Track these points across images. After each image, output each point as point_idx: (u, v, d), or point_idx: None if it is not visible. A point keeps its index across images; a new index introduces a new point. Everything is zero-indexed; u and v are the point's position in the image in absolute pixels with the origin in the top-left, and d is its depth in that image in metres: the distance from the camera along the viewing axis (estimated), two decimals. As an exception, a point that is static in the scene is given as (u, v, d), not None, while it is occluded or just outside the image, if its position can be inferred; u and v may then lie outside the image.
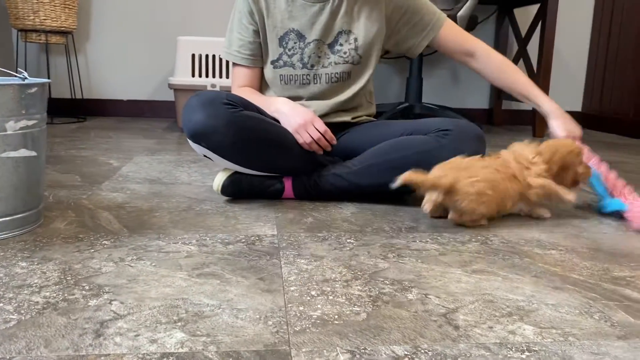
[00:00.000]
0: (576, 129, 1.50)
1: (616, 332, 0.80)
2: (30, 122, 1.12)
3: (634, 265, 1.08)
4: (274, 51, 1.54)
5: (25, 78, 1.15)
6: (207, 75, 2.88)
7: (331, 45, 1.53)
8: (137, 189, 1.57)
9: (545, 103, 1.53)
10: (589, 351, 0.75)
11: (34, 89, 1.12)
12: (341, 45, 1.52)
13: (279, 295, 0.89)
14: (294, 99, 1.54)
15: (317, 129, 1.44)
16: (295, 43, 1.52)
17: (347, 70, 1.54)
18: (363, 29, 1.52)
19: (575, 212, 1.47)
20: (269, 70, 1.56)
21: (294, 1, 1.51)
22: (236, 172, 1.45)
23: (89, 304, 0.84)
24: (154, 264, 1.01)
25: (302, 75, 1.54)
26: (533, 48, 3.24)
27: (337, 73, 1.53)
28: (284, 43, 1.53)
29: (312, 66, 1.53)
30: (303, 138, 1.43)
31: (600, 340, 0.78)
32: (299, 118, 1.44)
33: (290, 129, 1.44)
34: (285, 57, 1.53)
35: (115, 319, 0.80)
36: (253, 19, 1.53)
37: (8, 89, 1.08)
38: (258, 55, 1.57)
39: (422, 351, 0.73)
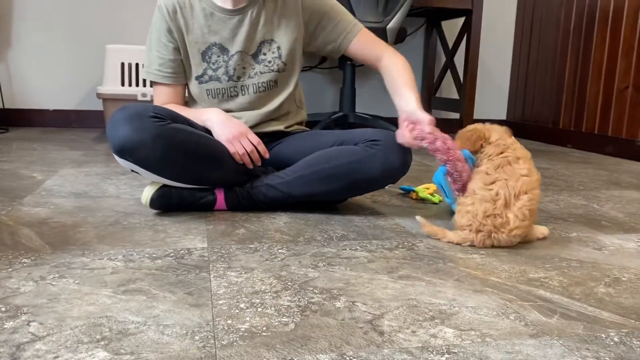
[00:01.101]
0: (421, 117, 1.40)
1: (529, 331, 0.85)
2: (-59, 136, 1.07)
3: (548, 267, 1.15)
4: (197, 67, 1.53)
5: None
6: (137, 84, 2.82)
7: (255, 56, 1.53)
8: (62, 204, 1.52)
9: (403, 102, 1.45)
10: (503, 350, 0.79)
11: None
12: (264, 54, 1.53)
13: (207, 309, 0.89)
14: (224, 111, 1.54)
15: (250, 142, 1.44)
16: (218, 57, 1.52)
17: (273, 79, 1.55)
18: (284, 36, 1.54)
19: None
20: (194, 86, 1.55)
21: (212, 15, 1.50)
22: (165, 185, 1.43)
23: (5, 326, 0.81)
24: (77, 282, 0.98)
25: (229, 87, 1.54)
26: (460, 59, 3.38)
27: (263, 82, 1.54)
28: (207, 57, 1.52)
29: (239, 78, 1.53)
30: (236, 148, 1.43)
31: (514, 340, 0.82)
32: (232, 129, 1.44)
33: (222, 139, 1.44)
34: (210, 72, 1.53)
35: (34, 340, 0.77)
36: (172, 36, 1.51)
37: None
38: (180, 73, 1.55)
39: (348, 358, 0.75)
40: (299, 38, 1.55)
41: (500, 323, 0.88)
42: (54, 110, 3.25)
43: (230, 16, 1.50)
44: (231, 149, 1.44)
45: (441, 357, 0.76)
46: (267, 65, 1.54)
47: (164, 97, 1.56)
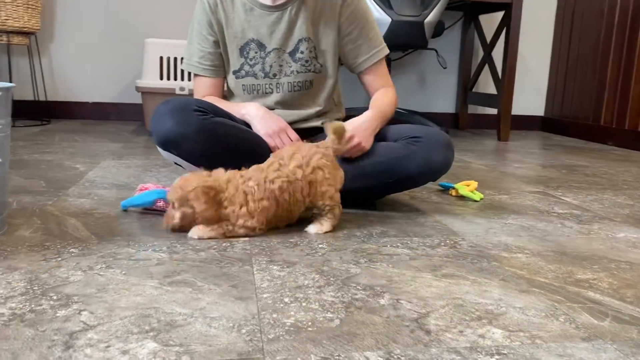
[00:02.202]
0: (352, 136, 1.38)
1: (580, 334, 0.83)
2: (-6, 128, 1.09)
3: (596, 268, 1.12)
4: (235, 61, 1.53)
5: (-11, 82, 1.12)
6: (175, 78, 2.85)
7: (292, 54, 1.52)
8: (105, 195, 1.55)
9: (360, 116, 1.44)
10: (555, 353, 0.77)
11: (-3, 94, 1.09)
12: (302, 53, 1.51)
13: (252, 302, 0.89)
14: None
15: (289, 137, 1.44)
16: (256, 53, 1.52)
17: (309, 79, 1.54)
18: (322, 37, 1.52)
19: (540, 216, 1.51)
20: (231, 80, 1.56)
21: (252, 10, 1.50)
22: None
23: (57, 314, 0.83)
24: (124, 272, 1.00)
25: (265, 84, 1.53)
26: (498, 54, 3.31)
27: (299, 82, 1.53)
28: (244, 53, 1.52)
29: (274, 75, 1.53)
30: (275, 143, 1.43)
31: (565, 343, 0.80)
32: (272, 124, 1.44)
33: (262, 134, 1.44)
34: (247, 67, 1.53)
35: (85, 329, 0.78)
36: (212, 29, 1.52)
37: (-30, 94, 1.05)
38: (219, 66, 1.56)
39: (395, 357, 0.74)
40: (336, 40, 1.53)
41: (549, 325, 0.86)
42: (94, 103, 3.32)
43: (270, 12, 1.49)
44: (271, 143, 1.44)
45: (490, 358, 0.75)
46: (304, 65, 1.52)
47: (203, 90, 1.57)
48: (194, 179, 1.18)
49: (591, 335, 0.83)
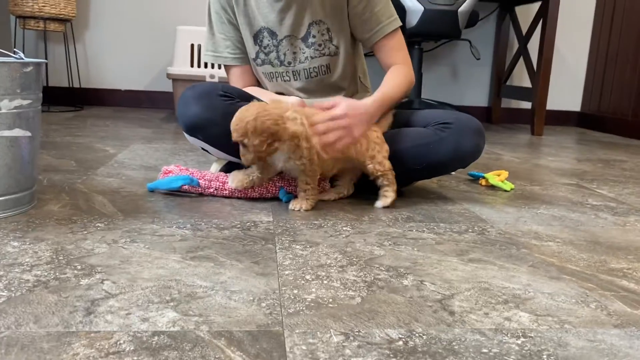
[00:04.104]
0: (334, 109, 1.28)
1: (612, 321, 0.80)
2: (25, 102, 1.11)
3: (631, 258, 1.07)
4: (251, 49, 1.49)
5: (21, 58, 1.13)
6: (205, 66, 2.86)
7: (304, 39, 1.46)
8: (133, 175, 1.56)
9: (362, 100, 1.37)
10: (585, 338, 0.74)
11: (29, 68, 1.11)
12: (314, 37, 1.45)
13: (273, 278, 0.88)
14: (284, 94, 1.51)
15: None
16: (269, 41, 1.47)
17: (325, 63, 1.48)
18: (333, 17, 1.45)
19: (572, 207, 1.46)
20: (253, 67, 1.53)
21: None
22: (231, 162, 1.44)
23: (81, 282, 0.83)
24: (147, 247, 1.00)
25: (282, 72, 1.49)
26: (534, 47, 3.23)
27: (315, 67, 1.48)
28: (258, 41, 1.48)
29: (289, 63, 1.48)
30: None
31: (596, 328, 0.77)
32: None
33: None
34: (262, 55, 1.49)
35: (107, 297, 0.79)
36: (228, 13, 1.48)
37: (3, 67, 1.06)
38: (246, 52, 1.52)
39: (417, 335, 0.72)
40: (345, 16, 1.46)
41: (579, 311, 0.82)
42: (126, 91, 3.36)
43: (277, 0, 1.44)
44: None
45: (516, 340, 0.72)
46: (317, 49, 1.46)
47: (241, 79, 1.53)
48: (252, 108, 1.21)
49: (624, 322, 0.79)
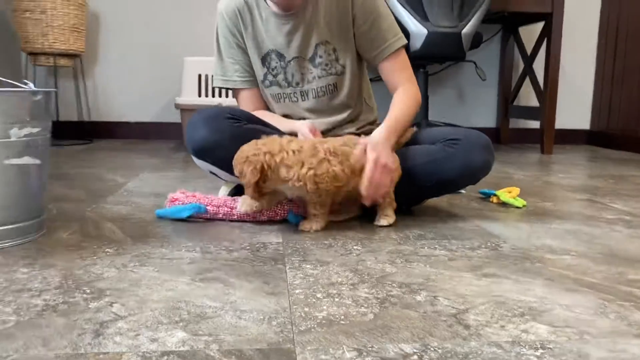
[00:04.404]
0: (371, 160, 1.28)
1: (633, 331, 0.77)
2: (35, 130, 1.12)
3: (649, 269, 1.05)
4: (259, 71, 1.51)
5: (31, 87, 1.15)
6: (213, 95, 2.90)
7: (312, 60, 1.48)
8: (142, 203, 1.56)
9: (375, 132, 1.37)
10: (605, 349, 0.72)
11: (38, 97, 1.12)
12: (321, 57, 1.47)
13: (284, 297, 0.87)
14: (291, 115, 1.52)
15: None
16: (277, 63, 1.49)
17: (332, 83, 1.49)
18: (339, 38, 1.47)
19: (586, 221, 1.44)
20: (261, 88, 1.54)
21: (268, 21, 1.47)
22: (240, 184, 1.44)
23: (90, 306, 0.82)
24: (156, 270, 0.99)
25: (290, 93, 1.51)
26: (539, 66, 3.24)
27: (322, 87, 1.49)
28: (266, 63, 1.50)
29: (297, 84, 1.50)
30: None
31: (617, 339, 0.75)
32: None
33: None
34: (270, 77, 1.51)
35: (116, 319, 0.78)
36: (236, 37, 1.50)
37: (13, 96, 1.08)
38: (255, 75, 1.54)
39: (432, 349, 0.71)
40: (353, 38, 1.48)
41: (598, 322, 0.80)
42: (135, 123, 3.40)
43: (284, 22, 1.45)
44: None
45: (535, 351, 0.70)
46: (324, 69, 1.48)
47: (251, 103, 1.54)
48: (246, 148, 1.23)
49: (646, 332, 0.77)
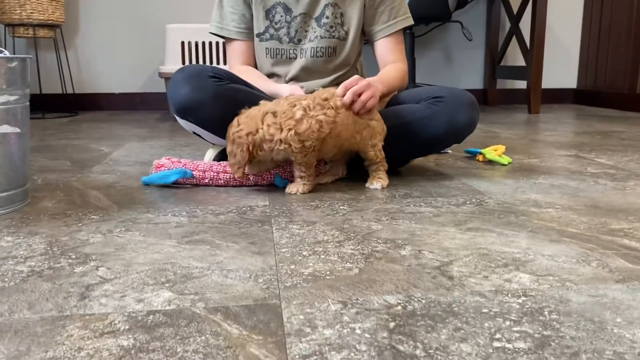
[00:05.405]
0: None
1: (614, 277, 0.78)
2: (12, 98, 1.10)
3: (632, 219, 1.06)
4: (259, 23, 1.50)
5: (5, 54, 1.12)
6: (197, 62, 2.85)
7: (318, 19, 1.48)
8: (128, 171, 1.55)
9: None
10: (587, 294, 0.73)
11: (14, 64, 1.10)
12: (327, 18, 1.47)
13: (270, 256, 0.88)
14: (281, 73, 1.51)
15: None
16: (282, 16, 1.49)
17: (332, 45, 1.49)
18: (349, 3, 1.48)
19: (571, 176, 1.45)
20: (255, 43, 1.53)
21: None
22: (226, 148, 1.43)
23: (75, 270, 0.82)
24: (142, 234, 0.99)
25: (288, 49, 1.50)
26: (525, 25, 3.22)
27: (322, 47, 1.49)
28: (270, 16, 1.49)
29: (299, 40, 1.50)
30: None
31: (598, 285, 0.76)
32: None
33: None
34: (271, 31, 1.50)
35: (102, 282, 0.78)
36: None
37: (-13, 64, 1.05)
38: (252, 28, 1.52)
39: (416, 299, 0.71)
40: (362, 8, 1.49)
41: (581, 269, 0.81)
42: (120, 94, 3.36)
43: None
44: None
45: (517, 299, 0.71)
46: (328, 30, 1.48)
47: (240, 55, 1.54)
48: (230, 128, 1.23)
49: (626, 277, 0.78)
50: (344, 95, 1.25)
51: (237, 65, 1.54)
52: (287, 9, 1.48)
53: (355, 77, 1.28)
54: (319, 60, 1.51)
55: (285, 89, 1.42)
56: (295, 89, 1.42)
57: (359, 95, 1.26)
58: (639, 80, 3.12)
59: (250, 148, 1.21)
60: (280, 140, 1.20)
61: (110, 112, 3.25)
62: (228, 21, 1.52)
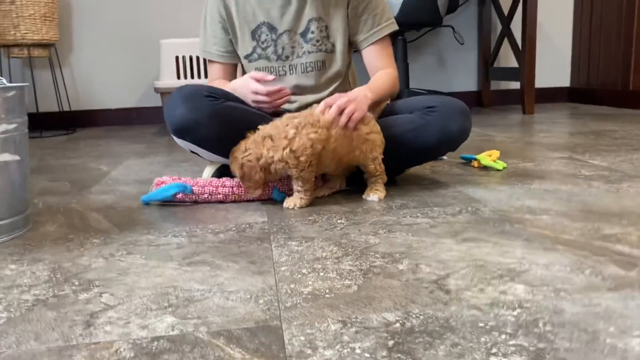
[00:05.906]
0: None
1: (607, 285, 0.80)
2: (11, 126, 1.12)
3: (624, 223, 1.08)
4: (246, 45, 1.52)
5: (3, 83, 1.14)
6: (192, 77, 2.87)
7: (303, 34, 1.50)
8: (127, 190, 1.57)
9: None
10: (580, 304, 0.75)
11: (12, 93, 1.12)
12: (312, 32, 1.49)
13: (270, 275, 0.89)
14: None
15: (272, 93, 1.39)
16: (267, 35, 1.50)
17: (320, 59, 1.51)
18: (332, 16, 1.49)
19: (565, 179, 1.47)
20: (245, 64, 1.55)
21: None
22: (224, 165, 1.45)
23: (79, 297, 0.84)
24: (144, 257, 1.01)
25: (278, 67, 1.52)
26: (517, 26, 3.24)
27: (311, 62, 1.51)
28: (256, 36, 1.51)
29: (287, 57, 1.51)
30: (259, 103, 1.41)
31: (591, 294, 0.78)
32: (244, 89, 1.41)
33: (249, 102, 1.43)
34: (259, 50, 1.52)
35: (106, 309, 0.79)
36: (222, 16, 1.52)
37: (-15, 94, 1.07)
38: (233, 52, 1.56)
39: (414, 316, 0.73)
40: (346, 18, 1.50)
41: (574, 278, 0.83)
42: (117, 109, 3.37)
43: None
44: (255, 105, 1.42)
45: (512, 311, 0.73)
46: (315, 45, 1.50)
47: (216, 75, 1.59)
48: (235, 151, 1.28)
49: (618, 285, 0.80)
50: (323, 112, 1.27)
51: (210, 81, 1.57)
52: (272, 28, 1.50)
53: (336, 94, 1.32)
54: (310, 75, 1.52)
55: (233, 83, 1.46)
56: (238, 79, 1.45)
57: (343, 110, 1.27)
58: (631, 77, 3.14)
59: (262, 171, 1.26)
60: (279, 160, 1.24)
61: (107, 128, 3.27)
62: (210, 45, 1.56)
